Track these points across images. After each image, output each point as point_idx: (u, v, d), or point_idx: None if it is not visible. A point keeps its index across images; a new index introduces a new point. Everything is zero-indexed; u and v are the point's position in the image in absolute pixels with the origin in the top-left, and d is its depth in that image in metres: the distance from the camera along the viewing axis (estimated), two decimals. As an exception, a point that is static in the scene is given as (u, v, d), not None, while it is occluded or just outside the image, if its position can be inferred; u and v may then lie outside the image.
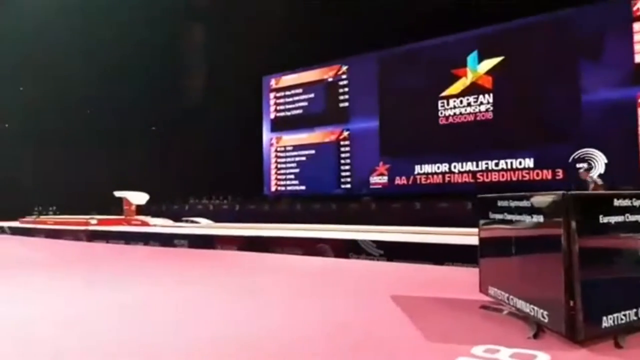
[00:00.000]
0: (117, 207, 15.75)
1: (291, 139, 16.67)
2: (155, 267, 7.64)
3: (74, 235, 13.21)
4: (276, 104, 17.26)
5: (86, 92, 21.70)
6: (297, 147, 16.48)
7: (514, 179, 11.79)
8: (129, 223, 14.42)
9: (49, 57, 20.96)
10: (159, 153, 19.80)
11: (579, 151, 10.90)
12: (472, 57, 12.59)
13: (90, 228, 13.47)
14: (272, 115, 17.36)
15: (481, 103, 12.36)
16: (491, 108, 12.22)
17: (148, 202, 15.64)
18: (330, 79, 15.63)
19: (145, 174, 18.08)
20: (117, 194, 15.20)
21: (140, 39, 19.24)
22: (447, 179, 12.84)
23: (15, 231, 15.46)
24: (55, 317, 4.17)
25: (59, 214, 18.15)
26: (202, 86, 21.45)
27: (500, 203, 3.89)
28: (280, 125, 17.10)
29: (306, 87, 16.35)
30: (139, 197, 15.19)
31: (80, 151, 20.95)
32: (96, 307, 4.50)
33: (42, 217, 17.08)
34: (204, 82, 21.41)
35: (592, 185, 8.77)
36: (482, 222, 4.24)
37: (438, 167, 13.00)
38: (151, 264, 8.08)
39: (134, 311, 4.35)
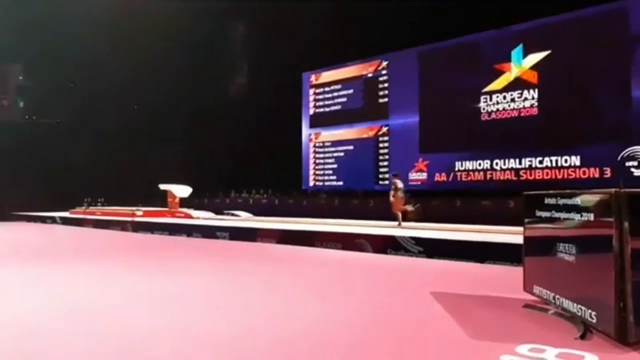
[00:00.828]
0: (161, 199, 16.23)
1: (330, 134, 16.73)
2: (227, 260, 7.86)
3: (121, 226, 13.73)
4: (315, 100, 17.34)
5: (133, 88, 22.43)
6: (335, 143, 16.52)
7: (559, 177, 11.43)
8: (173, 215, 14.85)
9: (98, 55, 21.78)
10: (202, 147, 20.27)
11: (628, 149, 10.48)
12: (516, 52, 12.26)
13: (136, 219, 13.95)
14: (311, 111, 17.45)
15: (525, 99, 12.04)
16: (536, 104, 11.88)
17: (191, 195, 16.05)
18: (369, 75, 15.57)
19: (188, 167, 18.56)
20: (162, 186, 15.66)
21: (184, 36, 19.74)
22: (488, 176, 12.59)
23: (65, 221, 16.17)
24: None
25: (107, 206, 18.85)
26: (243, 82, 21.81)
27: (547, 200, 3.83)
28: (319, 121, 17.17)
29: (345, 82, 16.34)
30: (182, 190, 15.61)
31: (127, 145, 21.69)
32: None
33: (91, 208, 17.78)
34: (246, 78, 21.76)
35: (393, 187, 10.95)
36: (527, 219, 4.18)
37: (479, 164, 12.76)
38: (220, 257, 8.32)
39: (193, 298, 4.51)
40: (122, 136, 22.45)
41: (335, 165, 16.52)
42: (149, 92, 22.04)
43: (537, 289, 4.06)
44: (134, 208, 15.37)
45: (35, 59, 25.24)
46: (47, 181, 22.09)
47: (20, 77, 28.03)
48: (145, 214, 14.87)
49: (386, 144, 14.95)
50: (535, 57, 11.93)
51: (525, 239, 4.24)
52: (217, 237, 10.94)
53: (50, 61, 24.10)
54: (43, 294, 4.73)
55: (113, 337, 3.27)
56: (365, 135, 15.56)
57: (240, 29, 21.79)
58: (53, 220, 16.63)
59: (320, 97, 17.14)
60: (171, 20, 19.48)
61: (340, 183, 16.32)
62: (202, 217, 14.40)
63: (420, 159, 13.94)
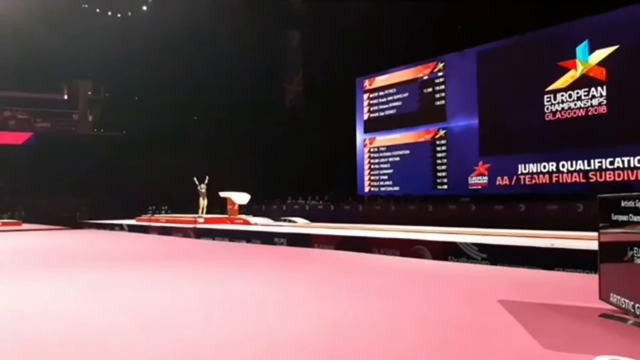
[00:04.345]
0: (221, 206, 16.67)
1: (385, 139, 16.59)
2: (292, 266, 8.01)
3: (183, 232, 14.23)
4: (369, 105, 17.26)
5: (193, 99, 23.32)
6: (390, 148, 16.36)
7: (632, 178, 10.75)
8: (232, 222, 15.22)
9: (160, 71, 22.83)
10: (259, 155, 20.71)
11: None
12: (581, 48, 11.67)
13: (198, 226, 14.41)
14: (366, 116, 17.39)
15: (593, 96, 11.42)
16: (605, 102, 11.25)
17: (249, 201, 16.38)
18: (425, 77, 15.32)
19: (246, 175, 19.00)
20: (222, 194, 16.07)
21: (242, 48, 20.30)
22: (554, 179, 12.02)
23: (132, 229, 16.92)
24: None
25: (171, 213, 19.55)
26: (299, 89, 22.13)
27: (624, 203, 3.61)
28: (374, 126, 17.07)
29: (400, 86, 16.17)
30: (241, 197, 15.94)
31: (188, 155, 22.53)
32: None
33: (156, 216, 18.51)
34: (301, 85, 22.07)
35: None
36: (602, 224, 3.96)
37: (544, 166, 12.21)
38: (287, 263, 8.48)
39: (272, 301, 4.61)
40: (184, 146, 23.37)
41: (391, 171, 16.35)
42: (207, 103, 22.83)
43: (614, 297, 3.83)
44: (195, 215, 15.87)
45: (102, 74, 26.81)
46: (114, 190, 23.31)
47: (89, 92, 29.84)
48: (207, 220, 15.33)
49: (444, 148, 14.63)
50: (602, 53, 11.31)
51: (601, 244, 4.02)
52: (274, 244, 11.10)
53: (116, 76, 25.52)
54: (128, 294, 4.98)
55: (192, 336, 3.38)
56: (421, 139, 15.30)
57: (294, 36, 22.13)
58: (121, 227, 17.44)
59: (375, 101, 17.05)
60: (228, 32, 20.08)
61: (397, 188, 16.13)
62: (260, 224, 14.67)
63: (481, 162, 13.52)
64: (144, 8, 23.79)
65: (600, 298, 4.04)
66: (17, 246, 11.51)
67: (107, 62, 24.21)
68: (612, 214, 3.79)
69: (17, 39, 21.95)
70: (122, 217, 19.36)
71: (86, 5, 23.89)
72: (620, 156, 10.90)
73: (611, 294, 3.88)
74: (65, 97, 29.45)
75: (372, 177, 16.98)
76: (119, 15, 24.63)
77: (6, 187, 22.51)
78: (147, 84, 24.48)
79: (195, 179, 16.03)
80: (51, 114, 28.56)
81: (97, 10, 24.19)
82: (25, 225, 18.72)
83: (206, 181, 16.20)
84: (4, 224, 18.56)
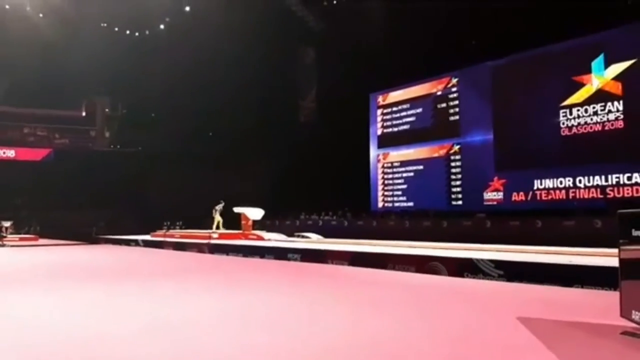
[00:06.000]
0: (235, 222, 16.70)
1: (398, 154, 16.58)
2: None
3: (198, 248, 14.28)
4: (383, 120, 17.31)
5: (207, 116, 23.58)
6: (404, 163, 16.33)
7: (651, 193, 10.58)
8: (246, 237, 15.23)
9: (176, 88, 23.18)
10: (273, 171, 20.79)
11: None
12: (597, 62, 11.62)
13: (212, 241, 14.45)
14: (379, 132, 17.43)
15: (610, 111, 11.32)
16: (622, 116, 11.14)
17: (263, 217, 16.40)
18: (439, 93, 15.34)
19: (260, 190, 19.06)
20: (236, 209, 16.12)
21: (256, 64, 20.59)
22: (571, 194, 11.87)
23: (147, 244, 17.03)
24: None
25: (185, 229, 19.64)
26: (312, 106, 22.28)
27: (645, 219, 3.55)
28: (387, 141, 17.09)
29: (414, 102, 16.21)
30: (255, 213, 15.97)
31: (203, 171, 22.72)
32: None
33: (170, 231, 18.61)
34: (315, 101, 22.22)
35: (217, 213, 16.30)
36: (622, 240, 3.89)
37: (561, 182, 12.08)
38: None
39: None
40: (199, 163, 23.59)
41: (404, 186, 16.30)
42: (223, 119, 23.06)
43: (636, 315, 3.74)
44: (210, 231, 15.93)
45: (120, 91, 27.33)
46: (130, 206, 23.54)
47: (107, 110, 30.39)
48: (221, 236, 15.37)
49: (458, 163, 14.57)
50: (618, 67, 11.24)
51: (622, 260, 3.94)
52: (288, 259, 11.07)
53: (133, 94, 25.97)
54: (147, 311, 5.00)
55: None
56: (435, 155, 15.27)
57: (308, 53, 22.36)
58: (136, 243, 17.56)
59: (388, 117, 17.10)
60: (243, 50, 20.37)
61: (411, 204, 16.05)
62: (274, 239, 14.66)
63: (496, 178, 13.43)
64: (162, 27, 24.26)
65: (622, 315, 3.95)
66: (36, 261, 11.65)
67: (125, 80, 24.68)
68: (633, 230, 3.72)
69: (37, 58, 22.50)
70: (137, 232, 19.49)
71: (105, 24, 24.43)
72: (639, 172, 10.75)
73: (633, 312, 3.79)
74: (84, 114, 30.02)
75: (386, 193, 16.94)
76: (137, 34, 25.14)
77: (25, 203, 22.88)
78: (164, 101, 24.86)
79: (222, 203, 16.39)
80: (69, 131, 29.12)
81: (116, 29, 24.72)
82: (41, 240, 18.96)
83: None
84: (22, 239, 18.83)
